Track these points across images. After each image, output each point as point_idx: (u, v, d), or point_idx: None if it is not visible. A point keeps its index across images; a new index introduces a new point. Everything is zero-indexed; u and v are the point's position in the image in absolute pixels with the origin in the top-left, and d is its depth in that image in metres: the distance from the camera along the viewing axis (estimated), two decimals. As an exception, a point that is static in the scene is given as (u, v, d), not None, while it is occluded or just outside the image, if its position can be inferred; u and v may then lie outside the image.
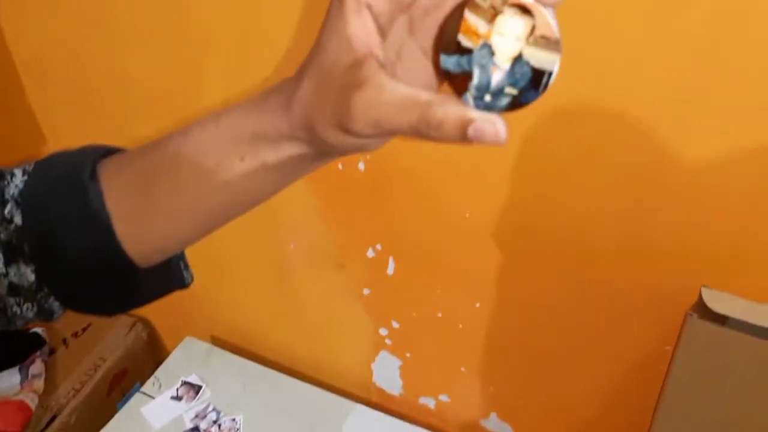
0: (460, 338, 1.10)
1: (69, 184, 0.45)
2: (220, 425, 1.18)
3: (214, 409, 1.20)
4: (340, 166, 1.02)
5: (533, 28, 0.31)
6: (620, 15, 0.71)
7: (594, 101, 0.79)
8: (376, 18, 0.34)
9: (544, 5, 0.31)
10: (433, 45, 0.36)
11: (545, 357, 1.05)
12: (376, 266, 1.10)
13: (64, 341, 1.39)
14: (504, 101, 0.33)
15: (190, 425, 1.17)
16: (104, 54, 1.09)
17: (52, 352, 1.36)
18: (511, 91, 0.32)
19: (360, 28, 0.34)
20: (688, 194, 0.80)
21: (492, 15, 0.32)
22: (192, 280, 0.57)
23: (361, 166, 1.01)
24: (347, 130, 0.35)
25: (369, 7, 0.34)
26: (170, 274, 0.54)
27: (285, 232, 1.16)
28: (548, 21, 0.31)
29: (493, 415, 1.15)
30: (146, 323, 1.45)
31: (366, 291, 1.14)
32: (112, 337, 1.40)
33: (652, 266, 0.88)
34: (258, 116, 0.41)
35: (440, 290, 1.07)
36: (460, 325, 1.08)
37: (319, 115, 0.36)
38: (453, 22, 0.33)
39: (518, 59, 0.32)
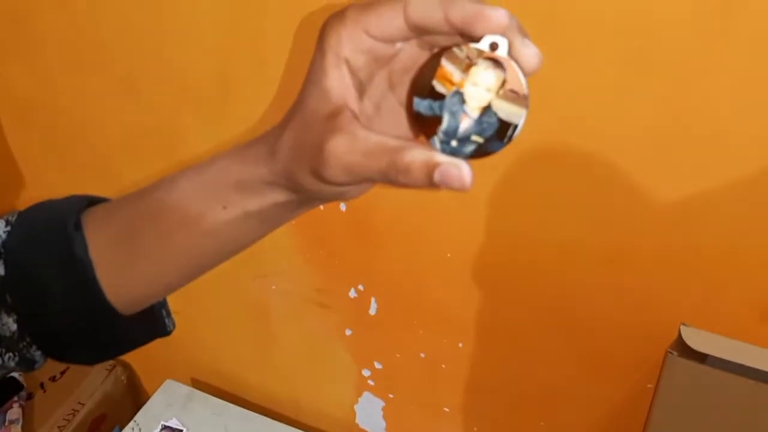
0: (443, 378, 1.09)
1: (53, 234, 0.46)
2: (200, 470, 1.16)
3: (194, 454, 1.18)
4: (321, 207, 1.03)
5: (504, 82, 0.33)
6: (596, 63, 0.72)
7: (572, 142, 0.80)
8: (354, 72, 0.36)
9: (519, 65, 0.33)
10: (408, 88, 0.38)
11: (528, 397, 1.04)
12: (359, 307, 1.10)
13: (42, 386, 1.36)
14: (470, 148, 0.34)
15: (169, 471, 1.15)
16: (85, 99, 1.09)
17: (29, 396, 1.34)
18: (478, 139, 0.34)
19: (337, 81, 0.35)
20: (663, 232, 0.81)
21: (467, 65, 0.33)
22: (174, 327, 0.57)
23: (343, 206, 1.01)
24: (322, 177, 0.36)
25: (347, 62, 0.35)
26: (152, 322, 0.54)
27: (266, 273, 1.16)
28: (519, 77, 0.33)
29: (477, 457, 1.14)
30: (125, 366, 1.43)
31: (348, 332, 1.14)
32: (90, 381, 1.37)
33: (632, 304, 0.88)
34: (241, 165, 0.42)
35: (423, 330, 1.07)
36: (443, 366, 1.08)
37: (297, 162, 0.38)
38: (429, 68, 0.34)
39: (487, 109, 0.33)
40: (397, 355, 1.12)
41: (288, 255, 1.11)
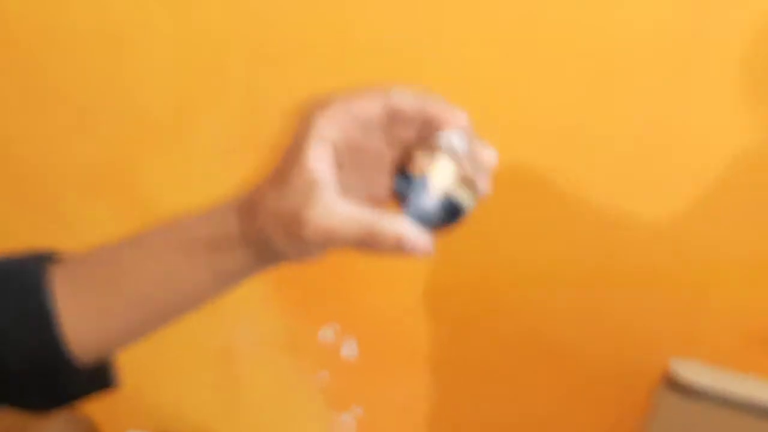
0: (428, 419, 1.04)
1: (16, 284, 0.47)
2: None
3: None
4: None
5: (460, 172, 0.41)
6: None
7: (552, 168, 0.77)
8: (335, 150, 0.41)
9: (475, 160, 0.41)
10: (392, 169, 0.44)
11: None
12: (333, 348, 1.04)
13: (-8, 442, 1.27)
14: (433, 223, 0.41)
15: None
16: (36, 134, 1.05)
17: (-23, 455, 1.24)
18: (439, 216, 0.41)
19: (320, 159, 0.41)
20: (643, 254, 0.78)
21: (433, 157, 0.41)
22: (119, 383, 0.58)
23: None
24: (299, 237, 0.41)
25: (330, 141, 0.41)
26: (105, 374, 0.55)
27: (231, 318, 1.11)
28: (470, 169, 0.41)
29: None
30: (85, 418, 1.34)
31: (322, 374, 1.08)
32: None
33: (615, 336, 0.86)
34: (211, 224, 0.46)
35: (406, 369, 1.02)
36: (427, 405, 1.03)
37: (275, 226, 0.42)
38: (407, 156, 0.43)
39: (446, 194, 0.41)
40: (379, 398, 1.06)
41: (254, 299, 1.06)
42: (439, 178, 0.41)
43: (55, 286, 0.47)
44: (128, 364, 1.27)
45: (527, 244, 0.84)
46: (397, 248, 0.39)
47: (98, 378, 0.53)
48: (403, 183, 0.42)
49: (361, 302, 1.00)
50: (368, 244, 0.40)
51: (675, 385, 0.81)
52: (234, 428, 1.23)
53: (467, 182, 0.41)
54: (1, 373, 0.47)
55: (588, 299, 0.84)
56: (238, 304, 1.07)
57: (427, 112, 0.41)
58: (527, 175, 0.79)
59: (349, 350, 1.03)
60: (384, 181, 0.44)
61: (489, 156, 0.41)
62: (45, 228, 1.16)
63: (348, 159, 0.43)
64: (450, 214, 0.42)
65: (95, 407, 1.36)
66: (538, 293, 0.87)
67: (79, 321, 0.47)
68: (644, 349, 0.84)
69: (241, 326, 1.10)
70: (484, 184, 0.42)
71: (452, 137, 0.41)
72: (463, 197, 0.41)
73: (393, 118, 0.42)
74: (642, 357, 0.84)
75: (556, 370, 0.91)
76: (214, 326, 1.12)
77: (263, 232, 0.43)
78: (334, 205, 0.40)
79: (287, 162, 0.42)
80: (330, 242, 0.40)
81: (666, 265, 0.79)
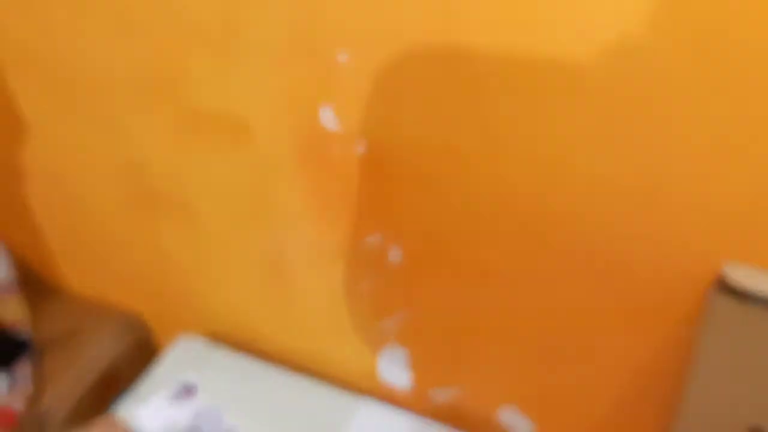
0: (472, 328, 1.03)
1: None
2: (217, 426, 1.12)
3: (212, 412, 1.14)
4: (336, 150, 0.95)
5: None
6: None
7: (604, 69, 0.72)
8: None
9: None
10: None
11: (561, 345, 0.99)
12: (378, 255, 1.03)
13: (53, 344, 1.32)
14: None
15: (185, 427, 1.11)
16: (85, 41, 1.02)
17: (40, 356, 1.29)
18: None
19: None
20: (700, 161, 0.74)
21: None
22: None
23: (360, 149, 0.93)
24: None
25: None
26: None
27: (281, 227, 1.09)
28: None
29: (510, 408, 1.09)
30: (139, 322, 1.38)
31: (368, 282, 1.08)
32: (103, 338, 1.33)
33: (667, 241, 0.83)
34: None
35: (451, 278, 1.00)
36: (473, 315, 1.02)
37: None
38: None
39: None
40: (423, 304, 1.06)
41: (301, 202, 1.04)
42: None
43: None
44: (182, 269, 1.30)
45: (580, 150, 0.80)
46: None
47: None
48: None
49: (406, 209, 0.97)
50: None
51: (728, 290, 0.80)
52: (283, 332, 1.25)
53: None
54: None
55: (639, 204, 0.81)
56: (288, 214, 1.07)
57: None
58: (586, 83, 0.75)
59: (394, 257, 1.03)
60: None
61: None
62: (93, 131, 1.16)
63: None
64: None
65: (149, 311, 1.41)
66: (590, 203, 0.84)
67: None
68: (697, 254, 0.82)
69: (291, 234, 1.10)
70: None
71: None
72: None
73: None
74: (695, 262, 0.82)
75: (606, 278, 0.89)
76: (265, 235, 1.12)
77: None
78: None
79: None
80: None
81: (720, 171, 0.75)
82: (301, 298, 1.17)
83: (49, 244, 1.40)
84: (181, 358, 1.23)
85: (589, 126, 0.78)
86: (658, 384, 0.94)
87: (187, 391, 1.16)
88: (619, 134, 0.77)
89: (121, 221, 1.27)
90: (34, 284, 1.42)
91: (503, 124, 0.83)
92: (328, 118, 0.93)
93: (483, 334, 1.04)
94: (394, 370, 1.16)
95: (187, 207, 1.16)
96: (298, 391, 1.18)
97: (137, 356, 1.35)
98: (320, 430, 1.12)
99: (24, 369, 1.25)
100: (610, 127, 0.77)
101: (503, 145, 0.85)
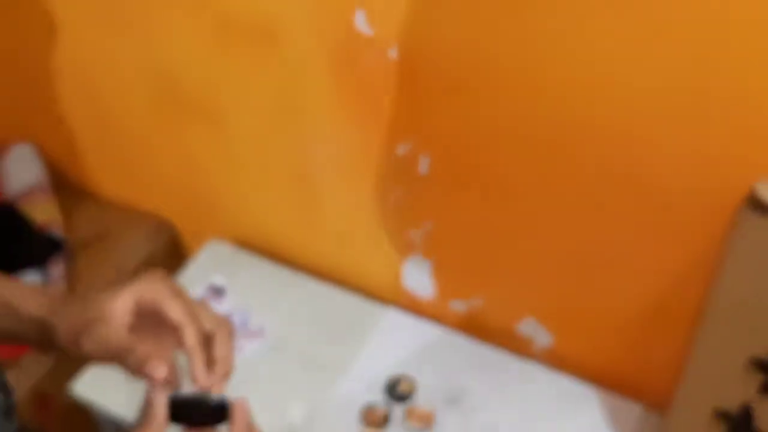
0: (497, 240, 1.05)
1: None
2: (246, 328, 1.15)
3: (240, 312, 1.17)
4: (368, 55, 0.94)
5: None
6: None
7: None
8: (137, 303, 0.57)
9: None
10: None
11: (586, 261, 1.00)
12: (407, 165, 1.04)
13: (85, 245, 1.35)
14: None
15: (215, 328, 1.15)
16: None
17: (72, 255, 1.33)
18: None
19: (123, 299, 0.57)
20: (740, 78, 0.73)
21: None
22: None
23: (392, 53, 0.93)
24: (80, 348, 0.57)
25: (137, 295, 0.57)
26: None
27: (308, 133, 1.10)
28: None
29: (530, 320, 1.11)
30: (168, 227, 1.41)
31: (396, 191, 1.09)
32: (134, 240, 1.36)
33: (701, 157, 0.82)
34: (36, 300, 0.60)
35: (478, 190, 1.01)
36: (498, 227, 1.03)
37: (66, 333, 0.58)
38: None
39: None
40: (449, 216, 1.07)
41: (331, 109, 1.04)
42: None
43: None
44: (210, 176, 1.31)
45: (618, 65, 0.79)
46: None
47: None
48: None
49: (437, 119, 0.97)
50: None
51: (759, 206, 0.80)
52: (309, 241, 1.27)
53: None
54: None
55: (678, 120, 0.81)
56: (318, 121, 1.07)
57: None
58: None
59: (422, 167, 1.03)
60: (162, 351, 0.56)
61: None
62: (127, 42, 1.16)
63: (146, 319, 0.57)
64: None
65: (178, 216, 1.43)
66: (624, 116, 0.83)
67: None
68: (731, 170, 0.81)
69: (320, 142, 1.10)
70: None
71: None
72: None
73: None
74: (727, 178, 0.82)
75: (637, 193, 0.89)
76: (294, 142, 1.12)
77: (64, 338, 0.57)
78: (106, 336, 0.55)
79: (98, 298, 0.57)
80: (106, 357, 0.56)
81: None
82: (329, 207, 1.19)
83: (80, 149, 1.42)
84: (210, 262, 1.26)
85: (633, 40, 0.77)
86: (680, 302, 0.95)
87: (215, 292, 1.20)
88: (664, 48, 0.76)
89: (151, 127, 1.28)
90: (66, 188, 1.45)
91: (545, 37, 0.82)
92: (362, 22, 0.92)
93: (506, 247, 1.06)
94: (418, 281, 1.19)
95: (216, 114, 1.17)
96: (324, 297, 1.21)
97: (167, 259, 1.39)
98: (345, 334, 1.15)
99: (57, 268, 1.29)
100: (653, 41, 0.76)
101: (542, 58, 0.84)
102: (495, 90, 0.89)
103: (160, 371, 0.54)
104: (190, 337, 0.55)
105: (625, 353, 1.06)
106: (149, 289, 0.57)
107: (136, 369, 0.55)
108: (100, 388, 1.09)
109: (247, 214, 1.31)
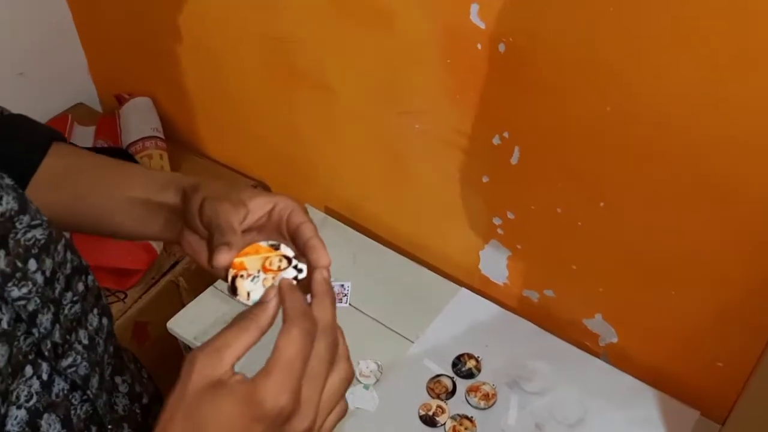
0: (576, 236, 1.09)
1: (26, 141, 0.66)
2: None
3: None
4: (478, 46, 1.00)
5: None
6: None
7: None
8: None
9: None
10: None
11: (662, 264, 1.03)
12: (500, 154, 1.09)
13: (188, 195, 1.46)
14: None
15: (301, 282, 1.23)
16: None
17: (177, 203, 1.44)
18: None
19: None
20: None
21: (277, 269, 0.53)
22: None
23: (501, 47, 0.98)
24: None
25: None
26: None
27: (410, 110, 1.16)
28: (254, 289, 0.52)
29: (598, 316, 1.15)
30: (264, 187, 1.50)
31: (485, 178, 1.14)
32: (232, 195, 1.46)
33: None
34: (168, 175, 0.64)
35: (564, 185, 1.05)
36: (579, 223, 1.07)
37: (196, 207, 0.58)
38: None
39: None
40: (532, 207, 1.12)
41: (435, 93, 1.10)
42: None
43: (49, 158, 0.65)
44: (310, 144, 1.38)
45: (725, 75, 0.82)
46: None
47: None
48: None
49: (535, 113, 1.01)
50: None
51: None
52: (395, 217, 1.34)
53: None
54: None
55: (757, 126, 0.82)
56: (421, 103, 1.14)
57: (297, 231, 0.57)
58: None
59: (514, 158, 1.08)
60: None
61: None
62: (248, 11, 1.25)
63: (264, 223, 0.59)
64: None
65: (273, 181, 1.52)
66: (713, 126, 0.85)
67: (44, 189, 0.64)
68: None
69: (420, 123, 1.16)
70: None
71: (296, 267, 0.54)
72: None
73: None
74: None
75: (724, 203, 0.91)
76: (394, 120, 1.19)
77: (195, 206, 0.57)
78: (226, 213, 0.55)
79: (243, 189, 0.59)
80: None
81: None
82: (418, 186, 1.25)
83: (193, 107, 1.53)
84: (301, 225, 1.34)
85: (742, 50, 0.79)
86: (752, 315, 0.97)
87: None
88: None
89: (261, 93, 1.37)
90: (176, 142, 1.56)
91: (649, 42, 0.85)
92: (475, 15, 0.97)
93: (584, 244, 1.09)
94: (495, 267, 1.24)
95: (322, 85, 1.24)
96: (404, 269, 1.28)
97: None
98: (419, 306, 1.22)
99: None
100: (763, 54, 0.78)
101: (645, 62, 0.87)
102: (595, 90, 0.93)
103: (223, 257, 0.52)
104: (311, 231, 0.57)
105: (689, 359, 1.08)
106: (287, 203, 0.59)
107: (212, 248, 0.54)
108: (193, 326, 1.19)
109: (339, 185, 1.38)
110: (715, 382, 1.06)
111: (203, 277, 1.30)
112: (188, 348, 1.20)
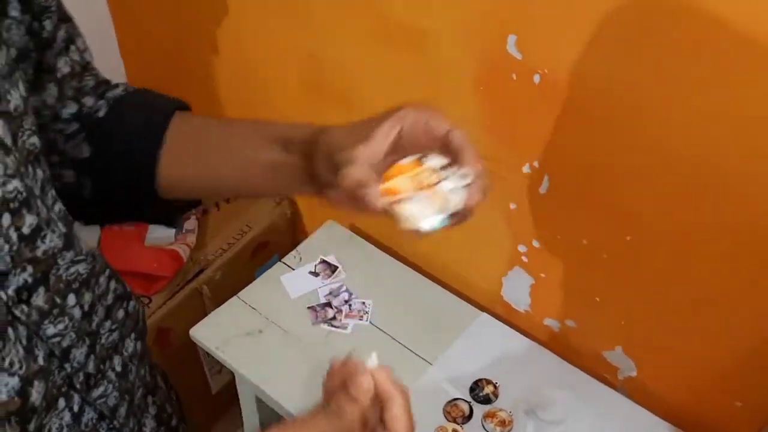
0: (601, 268, 1.09)
1: (150, 113, 0.65)
2: (350, 305, 1.24)
3: (346, 290, 1.27)
4: (513, 76, 1.01)
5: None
6: None
7: None
8: (399, 133, 0.57)
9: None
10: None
11: (686, 301, 1.03)
12: (530, 182, 1.10)
13: (217, 204, 1.48)
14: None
15: (323, 300, 1.25)
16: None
17: (205, 212, 1.46)
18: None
19: (386, 127, 0.56)
20: None
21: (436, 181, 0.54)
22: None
23: (536, 78, 0.99)
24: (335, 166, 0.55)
25: (400, 124, 0.57)
26: (173, 214, 0.70)
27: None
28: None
29: (618, 349, 1.15)
30: (291, 202, 1.52)
31: (513, 205, 1.15)
32: (259, 208, 1.48)
33: None
34: (291, 129, 0.63)
35: (591, 216, 1.06)
36: (605, 256, 1.08)
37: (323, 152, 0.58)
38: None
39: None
40: (558, 237, 1.12)
41: (466, 119, 1.11)
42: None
43: (173, 128, 0.63)
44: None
45: (747, 108, 0.82)
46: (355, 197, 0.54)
47: (168, 212, 0.69)
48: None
49: (567, 144, 1.02)
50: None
51: None
52: (422, 239, 1.34)
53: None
54: (105, 172, 0.61)
55: None
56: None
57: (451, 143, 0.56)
58: None
59: (543, 187, 1.09)
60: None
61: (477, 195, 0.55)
62: (286, 29, 1.27)
63: (400, 144, 0.57)
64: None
65: (300, 196, 1.52)
66: (746, 165, 0.86)
67: (171, 160, 0.62)
68: None
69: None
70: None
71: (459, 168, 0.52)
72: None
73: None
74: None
75: (751, 245, 0.91)
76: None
77: (320, 155, 0.58)
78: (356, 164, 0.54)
79: (366, 121, 0.58)
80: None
81: None
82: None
83: (226, 115, 1.55)
84: (326, 241, 1.36)
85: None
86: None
87: (327, 267, 1.30)
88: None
89: (292, 108, 1.39)
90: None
91: (692, 88, 0.86)
92: (512, 45, 0.99)
93: (607, 277, 1.10)
94: (517, 293, 1.24)
95: (354, 105, 1.26)
96: (426, 291, 1.29)
97: (286, 232, 1.50)
98: (439, 328, 1.22)
99: (191, 222, 1.42)
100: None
101: (685, 107, 0.87)
102: (631, 126, 0.94)
103: (374, 202, 0.53)
104: (461, 136, 0.57)
105: (708, 397, 1.08)
106: (415, 116, 0.57)
107: (353, 187, 0.54)
108: (214, 334, 1.20)
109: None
110: (732, 422, 1.06)
111: (226, 287, 1.32)
112: (208, 355, 1.21)
